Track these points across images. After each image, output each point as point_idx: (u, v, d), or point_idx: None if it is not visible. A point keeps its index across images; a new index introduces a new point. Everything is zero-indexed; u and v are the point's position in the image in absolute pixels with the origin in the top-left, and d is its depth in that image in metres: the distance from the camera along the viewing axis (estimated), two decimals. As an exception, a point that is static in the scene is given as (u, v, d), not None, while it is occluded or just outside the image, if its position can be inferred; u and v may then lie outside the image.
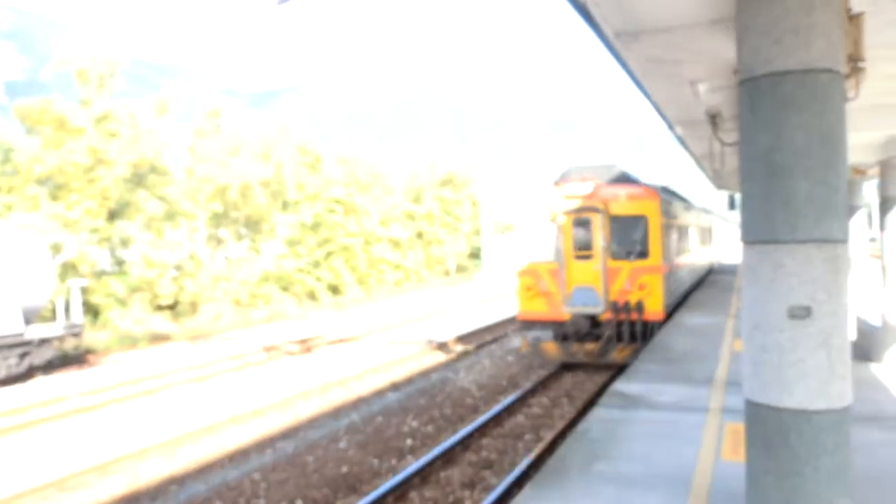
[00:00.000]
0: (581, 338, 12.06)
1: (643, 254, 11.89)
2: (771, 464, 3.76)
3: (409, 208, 41.18)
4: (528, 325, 12.60)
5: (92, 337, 19.00)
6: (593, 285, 11.96)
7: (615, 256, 11.93)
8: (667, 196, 14.13)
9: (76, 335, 15.36)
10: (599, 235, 11.95)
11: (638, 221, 11.99)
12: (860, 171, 20.10)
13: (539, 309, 12.30)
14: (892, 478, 5.11)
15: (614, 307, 11.69)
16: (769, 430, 3.77)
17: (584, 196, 12.14)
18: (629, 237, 11.98)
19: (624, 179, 12.72)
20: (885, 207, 18.96)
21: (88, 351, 16.91)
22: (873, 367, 8.89)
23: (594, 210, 11.99)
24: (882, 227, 19.15)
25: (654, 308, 11.82)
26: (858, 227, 23.85)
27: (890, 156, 17.13)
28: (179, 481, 7.81)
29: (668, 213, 13.20)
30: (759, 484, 3.84)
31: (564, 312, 12.06)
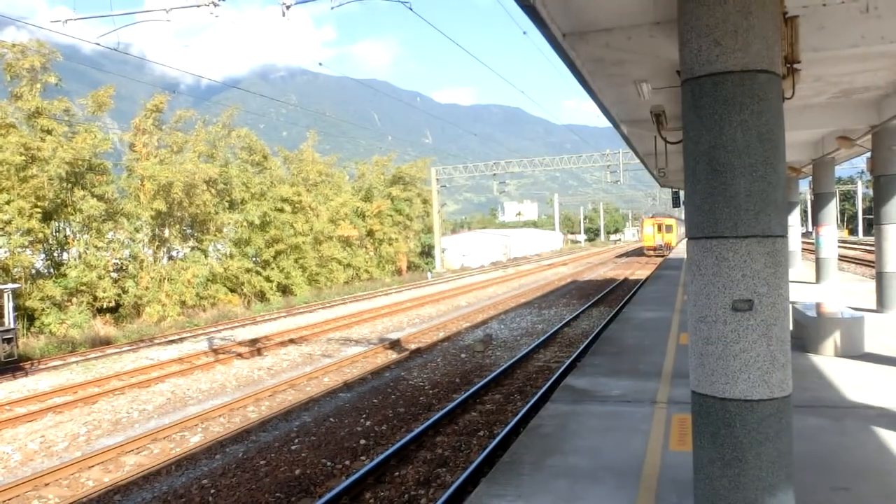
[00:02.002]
0: (656, 251, 51.72)
1: (670, 231, 53.07)
2: (716, 452, 3.87)
3: (359, 206, 40.83)
4: (646, 251, 53.51)
5: (27, 342, 18.14)
6: (662, 239, 52.00)
7: (664, 232, 52.50)
8: (676, 218, 57.90)
9: (9, 341, 14.62)
10: (662, 227, 52.55)
11: (671, 225, 53.44)
12: (796, 170, 21.13)
13: (648, 244, 53.16)
14: (829, 461, 5.36)
15: (666, 244, 52.18)
16: (715, 419, 3.88)
17: (657, 220, 53.91)
18: (667, 229, 52.88)
19: (667, 215, 58.16)
20: (818, 204, 20.02)
21: (24, 357, 16.11)
22: (810, 357, 9.29)
23: (660, 222, 52.92)
24: (815, 223, 20.21)
25: (673, 244, 52.69)
26: (794, 222, 25.00)
27: (822, 155, 18.06)
28: (123, 491, 7.49)
29: (675, 223, 54.46)
30: (706, 472, 3.95)
31: (654, 245, 52.28)
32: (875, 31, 6.11)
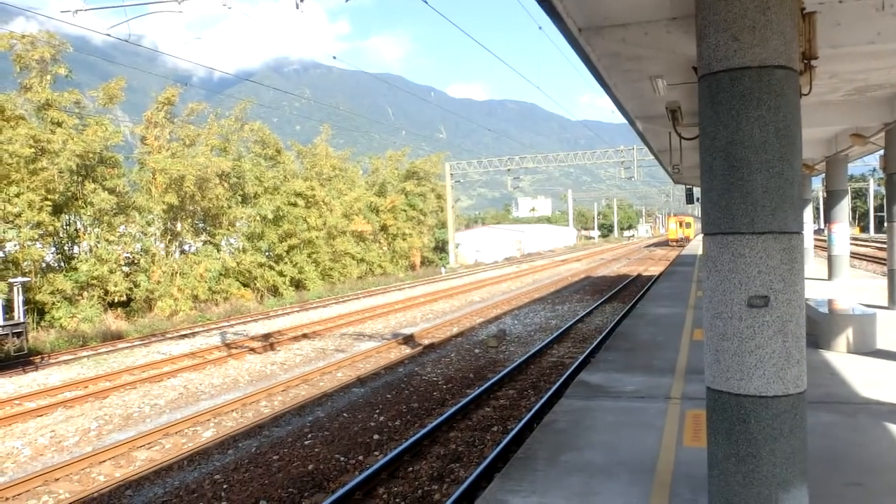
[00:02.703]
0: (678, 241, 66.81)
1: (689, 227, 70.43)
2: (731, 448, 3.88)
3: (372, 201, 40.89)
4: (671, 242, 68.50)
5: (38, 337, 18.27)
6: (683, 233, 68.54)
7: (684, 228, 69.59)
8: (693, 216, 74.09)
9: (19, 335, 14.63)
10: (683, 224, 69.93)
11: (689, 222, 70.88)
12: (809, 167, 20.99)
13: (672, 237, 68.70)
14: (842, 457, 5.35)
15: (685, 237, 68.51)
16: (729, 416, 3.89)
17: (679, 217, 72.34)
18: (687, 225, 70.20)
19: (686, 214, 75.74)
20: (830, 201, 19.87)
21: (34, 351, 16.23)
22: (822, 353, 9.25)
23: (681, 220, 70.55)
24: (828, 220, 20.06)
25: (691, 237, 69.92)
26: (806, 219, 24.81)
27: (835, 152, 17.91)
28: (135, 486, 7.51)
29: (692, 220, 72.09)
30: (720, 468, 3.96)
31: (677, 237, 67.95)
32: (891, 29, 6.06)
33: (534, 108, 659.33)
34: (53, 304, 20.21)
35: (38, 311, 20.10)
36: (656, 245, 75.10)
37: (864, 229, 78.01)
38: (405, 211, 43.50)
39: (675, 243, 66.54)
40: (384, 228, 41.65)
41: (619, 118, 11.61)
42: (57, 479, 7.83)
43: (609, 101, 9.52)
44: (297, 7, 14.08)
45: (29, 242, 19.75)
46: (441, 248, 49.24)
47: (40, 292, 19.92)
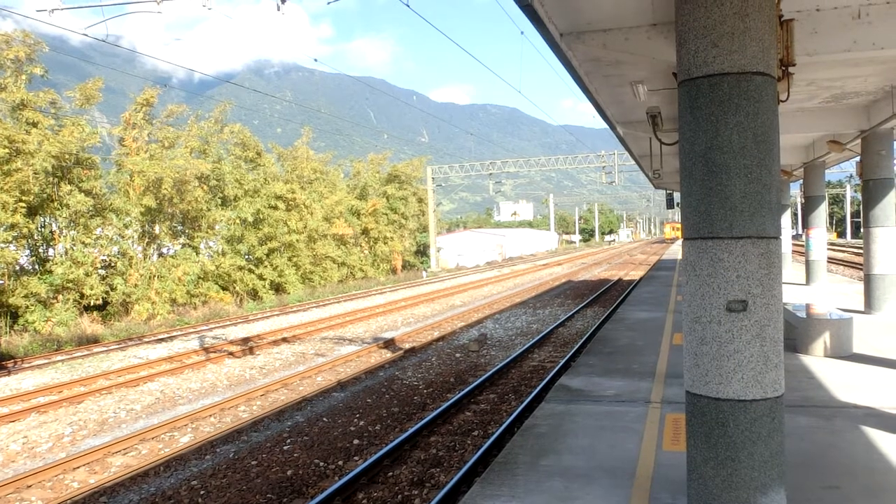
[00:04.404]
0: (672, 240, 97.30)
1: (678, 230, 43.15)
2: (710, 452, 3.89)
3: (354, 205, 40.71)
4: (666, 240, 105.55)
5: (11, 341, 17.91)
6: (674, 234, 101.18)
7: (675, 231, 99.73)
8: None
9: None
10: (674, 228, 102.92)
11: (679, 227, 37.30)
12: (787, 173, 21.33)
13: (667, 237, 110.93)
14: (820, 460, 5.40)
15: (676, 237, 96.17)
16: (708, 419, 3.90)
17: (672, 224, 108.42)
18: (677, 229, 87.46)
19: (677, 221, 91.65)
20: (808, 207, 20.19)
21: (6, 356, 15.91)
22: (800, 357, 9.36)
23: (673, 225, 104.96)
24: (805, 226, 20.37)
25: (680, 237, 45.61)
26: (784, 225, 25.23)
27: (813, 158, 18.22)
28: (110, 492, 7.38)
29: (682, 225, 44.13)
30: (699, 472, 3.97)
31: (671, 237, 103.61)
32: (866, 37, 6.18)
33: (516, 113, 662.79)
34: (27, 307, 19.85)
35: (11, 314, 19.74)
36: (637, 250, 75.31)
37: (841, 235, 79.59)
38: (387, 214, 43.40)
39: (669, 241, 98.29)
40: (365, 232, 41.50)
41: (601, 123, 11.69)
42: (29, 486, 7.66)
43: (590, 106, 9.57)
44: (279, 9, 14.01)
45: (2, 245, 19.37)
46: (423, 251, 49.20)
47: (13, 295, 19.56)
